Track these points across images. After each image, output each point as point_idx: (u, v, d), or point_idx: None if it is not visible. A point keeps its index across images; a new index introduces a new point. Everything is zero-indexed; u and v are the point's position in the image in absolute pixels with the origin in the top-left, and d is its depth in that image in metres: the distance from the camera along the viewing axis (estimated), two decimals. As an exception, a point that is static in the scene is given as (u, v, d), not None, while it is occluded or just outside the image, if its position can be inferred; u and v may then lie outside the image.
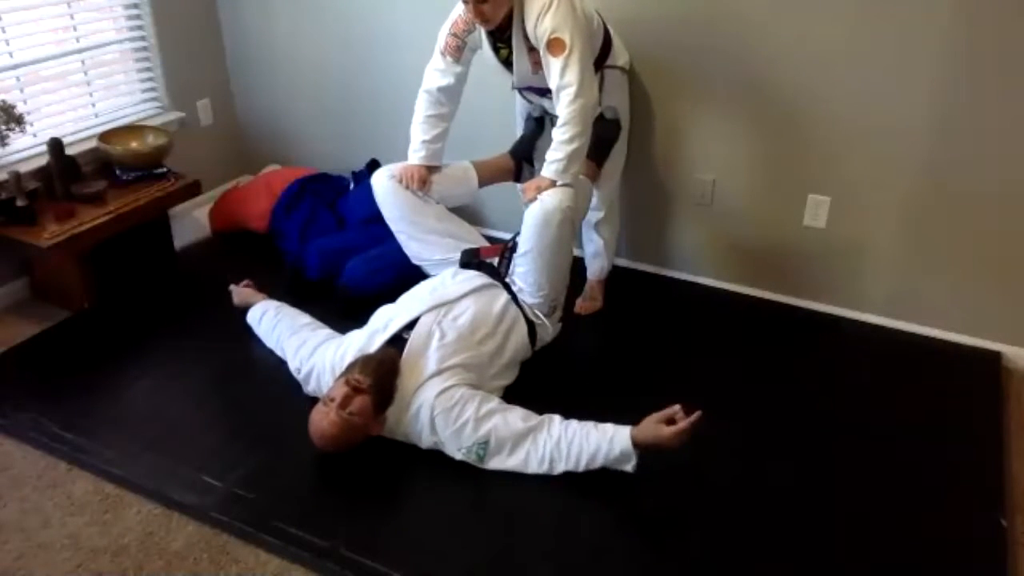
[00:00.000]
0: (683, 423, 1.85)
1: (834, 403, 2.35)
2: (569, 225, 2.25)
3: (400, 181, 2.42)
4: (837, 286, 2.75)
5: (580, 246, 2.78)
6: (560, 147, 2.21)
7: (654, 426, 1.87)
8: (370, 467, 2.09)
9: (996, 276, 2.50)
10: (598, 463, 1.93)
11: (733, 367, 2.51)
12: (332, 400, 1.99)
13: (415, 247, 2.50)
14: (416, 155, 2.46)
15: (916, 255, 2.59)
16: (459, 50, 2.33)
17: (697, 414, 1.85)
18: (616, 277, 2.89)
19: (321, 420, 2.00)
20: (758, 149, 2.68)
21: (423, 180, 2.43)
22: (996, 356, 2.54)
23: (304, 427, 2.13)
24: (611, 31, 2.45)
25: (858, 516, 1.94)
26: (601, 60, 2.41)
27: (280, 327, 2.37)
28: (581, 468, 1.95)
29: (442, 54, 2.36)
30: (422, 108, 2.45)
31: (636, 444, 1.89)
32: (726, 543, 1.87)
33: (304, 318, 2.44)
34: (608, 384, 2.42)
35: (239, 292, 2.64)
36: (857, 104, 2.46)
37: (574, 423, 2.00)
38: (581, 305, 2.75)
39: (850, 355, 2.58)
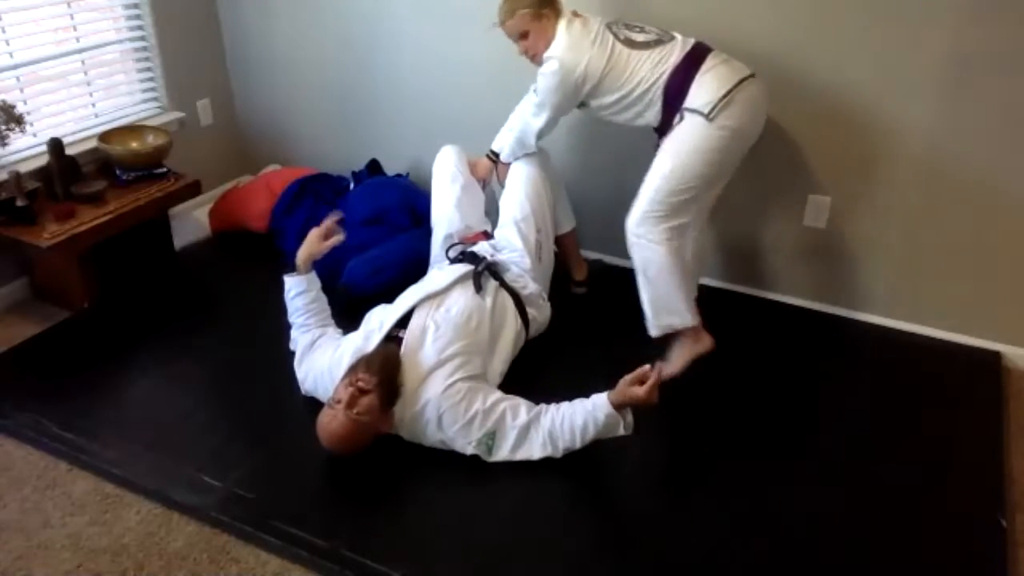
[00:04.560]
0: (650, 380, 1.93)
1: (834, 403, 2.35)
2: (539, 163, 2.63)
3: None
4: (837, 286, 2.75)
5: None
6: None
7: (627, 388, 1.95)
8: (370, 467, 2.09)
9: (996, 276, 2.50)
10: (591, 434, 1.99)
11: (732, 367, 2.51)
12: (338, 402, 1.98)
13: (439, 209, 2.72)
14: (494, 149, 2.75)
15: (916, 255, 2.59)
16: None
17: (659, 366, 1.98)
18: (614, 276, 2.88)
19: (330, 423, 1.99)
20: (758, 149, 2.67)
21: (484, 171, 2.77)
22: (996, 356, 2.55)
23: (304, 427, 2.13)
24: (702, 67, 2.22)
25: (858, 516, 1.94)
26: (678, 102, 2.24)
27: (303, 316, 2.37)
28: (578, 444, 2.01)
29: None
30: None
31: (615, 407, 1.96)
32: (726, 543, 1.88)
33: (327, 314, 2.42)
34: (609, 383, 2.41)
35: (314, 236, 2.37)
36: (857, 104, 2.46)
37: (564, 404, 2.06)
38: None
39: (850, 355, 2.59)
